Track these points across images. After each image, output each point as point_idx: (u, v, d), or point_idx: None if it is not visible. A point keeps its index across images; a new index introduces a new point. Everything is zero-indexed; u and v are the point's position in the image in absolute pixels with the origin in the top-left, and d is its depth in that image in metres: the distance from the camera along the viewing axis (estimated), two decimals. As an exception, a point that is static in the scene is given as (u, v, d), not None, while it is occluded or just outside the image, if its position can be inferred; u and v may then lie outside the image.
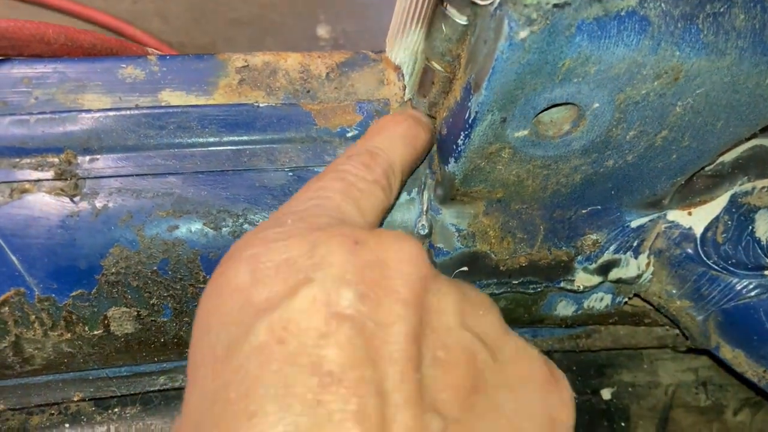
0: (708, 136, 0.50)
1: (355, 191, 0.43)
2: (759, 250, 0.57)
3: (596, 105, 0.47)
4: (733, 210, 0.58)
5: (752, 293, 0.57)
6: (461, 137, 0.48)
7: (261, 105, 0.54)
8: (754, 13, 0.44)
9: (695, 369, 0.75)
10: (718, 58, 0.45)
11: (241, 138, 0.53)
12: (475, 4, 0.42)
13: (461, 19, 0.46)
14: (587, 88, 0.45)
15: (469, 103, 0.46)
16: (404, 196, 0.55)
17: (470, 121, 0.47)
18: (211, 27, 1.90)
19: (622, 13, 0.42)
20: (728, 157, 0.59)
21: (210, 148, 0.52)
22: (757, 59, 0.45)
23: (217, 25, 1.90)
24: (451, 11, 0.46)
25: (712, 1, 0.44)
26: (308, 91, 0.58)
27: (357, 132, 0.55)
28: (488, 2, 0.40)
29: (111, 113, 0.51)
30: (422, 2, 0.48)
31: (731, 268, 0.57)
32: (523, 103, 0.45)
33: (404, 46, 0.52)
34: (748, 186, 0.59)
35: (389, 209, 0.47)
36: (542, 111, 0.47)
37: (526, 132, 0.48)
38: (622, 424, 0.71)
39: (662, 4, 0.43)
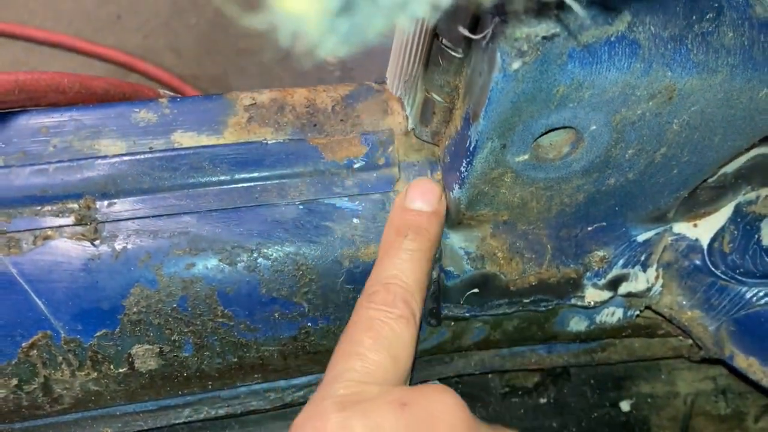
0: (707, 150, 0.51)
1: (384, 340, 0.48)
2: (766, 258, 0.58)
3: (593, 127, 0.48)
4: (739, 219, 0.59)
5: (762, 301, 0.58)
6: (464, 164, 0.50)
7: (269, 142, 0.56)
8: (743, 30, 0.46)
9: (713, 377, 0.75)
10: (710, 75, 0.46)
11: (251, 175, 0.55)
12: (469, 38, 0.43)
13: (457, 53, 0.47)
14: (583, 112, 0.46)
15: (469, 132, 0.48)
16: (412, 223, 0.56)
17: (471, 149, 0.48)
18: (222, 58, 1.94)
19: (612, 39, 0.43)
20: (730, 168, 0.60)
21: (222, 187, 0.54)
22: (749, 75, 0.46)
23: (227, 56, 1.93)
24: (447, 45, 0.47)
25: (701, 21, 0.45)
26: (315, 125, 0.59)
27: (363, 163, 0.56)
28: (481, 36, 0.42)
29: (126, 158, 0.54)
30: (418, 37, 0.50)
31: (740, 278, 0.58)
32: (521, 129, 0.47)
33: (404, 79, 0.54)
34: (752, 195, 0.60)
35: (418, 332, 0.50)
36: (541, 135, 0.48)
37: (526, 156, 0.49)
38: (643, 435, 0.72)
39: (651, 27, 0.44)
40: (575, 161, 0.51)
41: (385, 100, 0.60)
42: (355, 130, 0.58)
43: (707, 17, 0.45)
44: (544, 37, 0.40)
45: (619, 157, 0.51)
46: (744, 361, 0.60)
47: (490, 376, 0.72)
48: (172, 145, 0.56)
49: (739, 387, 0.75)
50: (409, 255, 0.51)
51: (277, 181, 0.55)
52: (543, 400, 0.72)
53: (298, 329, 0.56)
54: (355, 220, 0.55)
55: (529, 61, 0.41)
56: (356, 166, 0.56)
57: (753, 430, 0.73)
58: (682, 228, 0.59)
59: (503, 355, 0.67)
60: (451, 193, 0.53)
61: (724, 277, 0.58)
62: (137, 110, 0.58)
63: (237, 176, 0.54)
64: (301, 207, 0.55)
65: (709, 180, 0.59)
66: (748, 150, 0.59)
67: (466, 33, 0.42)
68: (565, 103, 0.45)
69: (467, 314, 0.58)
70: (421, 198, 0.53)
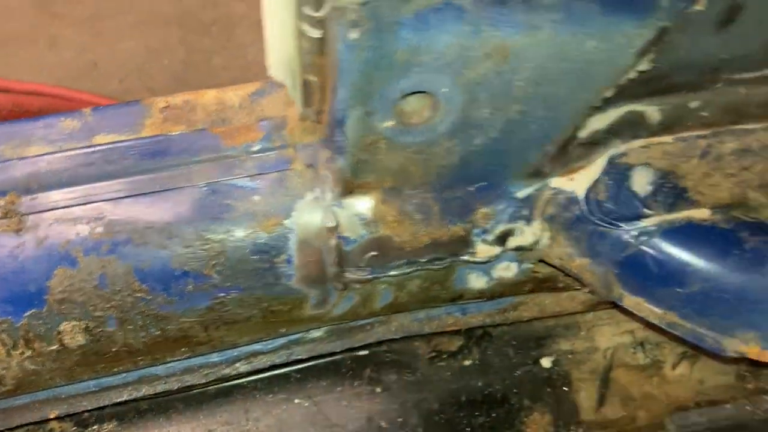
0: (558, 104, 0.57)
1: None
2: (636, 202, 0.63)
3: (444, 90, 0.54)
4: (611, 170, 0.65)
5: (638, 241, 0.63)
6: (338, 134, 0.56)
7: (174, 134, 0.62)
8: (561, -10, 0.52)
9: (632, 331, 0.79)
10: (535, 32, 0.52)
11: (158, 164, 0.61)
12: (312, 17, 0.50)
13: (315, 33, 0.54)
14: (429, 76, 0.52)
15: (336, 103, 0.54)
16: (309, 195, 0.62)
17: (341, 119, 0.54)
18: (194, 93, 2.01)
19: (438, 5, 0.49)
20: (602, 124, 0.65)
21: (133, 177, 0.60)
22: (573, 29, 0.52)
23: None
24: (306, 28, 0.54)
25: (521, -14, 0.51)
26: (223, 120, 0.66)
27: (261, 146, 0.62)
28: (321, 14, 0.48)
29: (46, 157, 0.60)
30: (283, 23, 0.56)
31: (615, 222, 0.63)
32: (378, 96, 0.53)
33: (281, 64, 0.61)
34: (623, 148, 0.66)
35: None
36: (400, 100, 0.54)
37: (392, 122, 0.55)
38: (564, 389, 0.76)
39: (474, -6, 0.50)
40: (438, 124, 0.56)
41: (288, 92, 0.67)
42: (254, 119, 0.64)
43: (527, -19, 0.51)
44: (364, 3, 0.46)
45: (477, 116, 0.56)
46: (631, 300, 0.64)
47: (417, 343, 0.77)
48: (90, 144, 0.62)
49: (657, 338, 0.79)
50: None
51: (182, 168, 0.61)
52: (468, 362, 0.76)
53: (212, 300, 0.61)
54: (255, 197, 0.61)
55: (364, 30, 0.48)
56: (254, 149, 0.63)
57: (671, 377, 0.77)
58: (559, 182, 0.65)
59: (420, 319, 0.73)
60: (336, 164, 0.59)
61: (602, 223, 0.64)
62: (63, 119, 0.65)
63: (146, 166, 0.61)
64: (204, 188, 0.61)
65: (582, 136, 0.65)
66: (620, 107, 0.66)
67: (311, 12, 0.48)
68: (409, 67, 0.51)
69: (369, 276, 0.64)
70: None
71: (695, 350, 0.78)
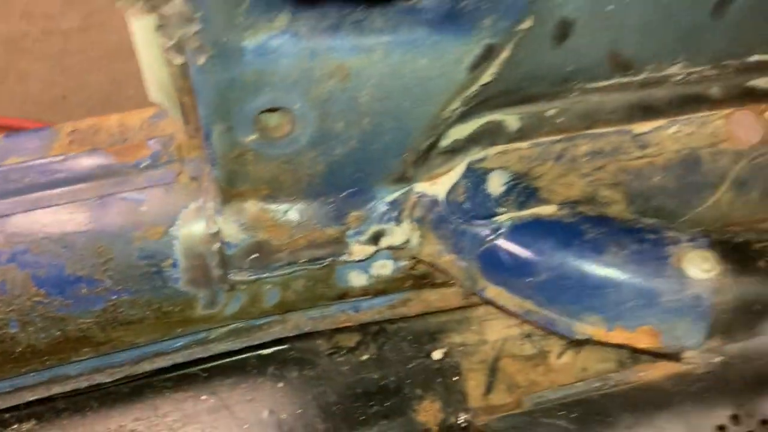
0: (404, 116, 0.64)
1: None
2: (490, 201, 0.70)
3: (297, 105, 0.61)
4: (470, 174, 0.71)
5: (493, 236, 0.69)
6: (208, 147, 0.63)
7: (72, 154, 0.69)
8: (389, 15, 0.59)
9: (520, 324, 0.85)
10: (369, 54, 0.59)
11: (57, 181, 0.68)
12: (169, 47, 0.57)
13: (178, 60, 0.61)
14: (280, 94, 0.59)
15: (200, 120, 0.61)
16: (192, 205, 0.69)
17: (207, 134, 0.61)
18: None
19: (277, 33, 0.56)
20: (463, 134, 0.72)
21: (31, 194, 0.67)
22: (405, 49, 0.59)
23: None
24: (170, 56, 0.61)
25: (352, 13, 0.58)
26: (124, 141, 0.73)
27: (149, 162, 0.69)
28: (171, 44, 0.55)
29: (-46, 179, 0.67)
30: (153, 52, 0.63)
31: (473, 220, 0.70)
32: (237, 112, 0.60)
33: (158, 89, 0.68)
34: (482, 154, 0.72)
35: None
36: (261, 115, 0.61)
37: (254, 136, 0.62)
38: (454, 378, 0.82)
39: (310, 21, 0.57)
40: (299, 137, 0.63)
41: (183, 114, 0.74)
42: (146, 138, 0.71)
43: (359, 9, 0.58)
44: (200, 32, 0.53)
45: (333, 129, 0.63)
46: (493, 292, 0.71)
47: (318, 341, 0.83)
48: None
49: (544, 330, 0.85)
50: None
51: (78, 183, 0.68)
52: (365, 357, 0.82)
53: (105, 302, 0.68)
54: (142, 208, 0.68)
55: (210, 56, 0.55)
56: (143, 165, 0.69)
57: (556, 365, 0.83)
58: (423, 187, 0.71)
59: (315, 317, 0.79)
60: (213, 174, 0.66)
61: (461, 222, 0.70)
62: (-23, 145, 0.72)
63: (45, 183, 0.68)
64: (97, 202, 0.67)
65: (443, 145, 0.72)
66: (480, 117, 0.73)
67: (166, 42, 0.55)
68: (260, 87, 0.58)
69: (253, 276, 0.70)
70: None
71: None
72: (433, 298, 0.81)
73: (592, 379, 0.75)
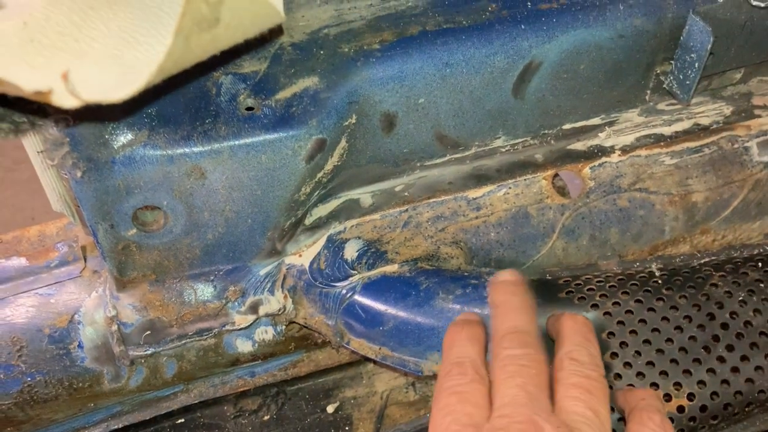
0: (260, 202, 0.78)
1: (467, 406, 0.61)
2: (346, 266, 0.83)
3: (166, 202, 0.75)
4: (329, 245, 0.85)
5: (348, 295, 0.82)
6: (97, 243, 0.76)
7: (-9, 261, 0.83)
8: (233, 123, 0.73)
9: (404, 374, 0.97)
10: (218, 155, 0.73)
11: (-23, 285, 0.81)
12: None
13: (63, 174, 0.75)
14: (149, 194, 0.73)
15: (87, 221, 0.74)
16: (94, 294, 0.81)
17: (94, 233, 0.75)
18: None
19: (140, 145, 0.71)
20: (324, 212, 0.87)
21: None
22: (247, 149, 0.73)
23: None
24: (58, 171, 0.75)
25: (203, 124, 0.73)
26: (43, 247, 0.86)
27: (57, 262, 0.83)
28: (54, 163, 0.70)
29: None
30: (43, 166, 0.78)
31: (333, 283, 0.83)
32: (115, 212, 0.73)
33: (57, 200, 0.82)
34: (340, 227, 0.86)
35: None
36: (137, 213, 0.75)
37: (134, 231, 0.76)
38: (347, 428, 0.93)
39: (165, 135, 0.71)
40: (173, 227, 0.77)
41: (89, 220, 0.88)
42: (54, 243, 0.85)
43: (207, 121, 0.73)
44: (74, 151, 0.67)
45: (200, 218, 0.77)
46: (356, 343, 0.83)
47: (225, 407, 0.94)
48: (-71, 278, 0.82)
49: (426, 378, 0.96)
50: (468, 340, 0.69)
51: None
52: (267, 417, 0.93)
53: (22, 384, 0.79)
54: (51, 300, 0.80)
55: (84, 170, 0.69)
56: (52, 265, 0.83)
57: (427, 408, 0.94)
58: (291, 259, 0.85)
59: (216, 384, 0.90)
60: (105, 264, 0.79)
61: (324, 286, 0.83)
62: None
63: (-34, 287, 0.81)
64: (12, 298, 0.80)
65: (308, 224, 0.86)
66: (338, 197, 0.87)
67: (41, 157, 0.70)
68: (130, 190, 0.72)
69: (150, 351, 0.82)
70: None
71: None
72: (321, 357, 0.92)
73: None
